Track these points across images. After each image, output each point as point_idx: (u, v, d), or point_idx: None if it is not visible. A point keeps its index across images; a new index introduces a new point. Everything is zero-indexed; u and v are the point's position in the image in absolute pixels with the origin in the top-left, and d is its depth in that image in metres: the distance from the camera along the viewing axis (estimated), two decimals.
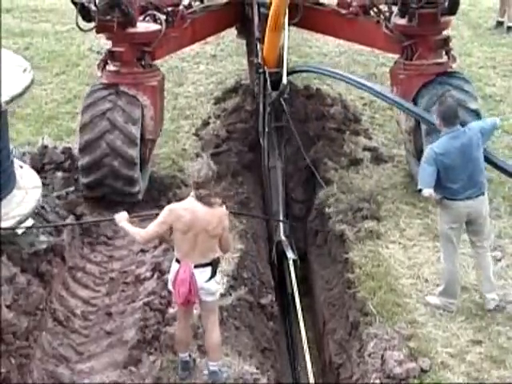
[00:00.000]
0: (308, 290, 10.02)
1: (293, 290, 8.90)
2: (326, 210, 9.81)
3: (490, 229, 8.16)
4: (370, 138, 11.51)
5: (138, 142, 9.79)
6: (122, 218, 6.86)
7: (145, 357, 7.20)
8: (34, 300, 7.38)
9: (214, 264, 6.61)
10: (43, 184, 9.43)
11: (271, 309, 8.78)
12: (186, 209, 6.47)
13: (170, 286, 6.78)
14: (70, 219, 9.02)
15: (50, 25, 16.45)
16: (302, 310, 8.58)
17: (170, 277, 6.70)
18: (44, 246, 8.11)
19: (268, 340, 8.47)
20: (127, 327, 7.61)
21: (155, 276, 8.33)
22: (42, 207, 8.76)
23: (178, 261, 6.60)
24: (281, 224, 9.90)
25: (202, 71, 14.26)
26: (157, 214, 6.71)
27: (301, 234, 10.61)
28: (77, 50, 15.01)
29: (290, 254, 9.40)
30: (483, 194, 7.55)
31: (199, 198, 6.44)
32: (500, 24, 16.25)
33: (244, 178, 10.71)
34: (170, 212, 6.52)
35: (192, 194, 6.53)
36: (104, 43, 12.94)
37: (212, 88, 13.45)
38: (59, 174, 10.02)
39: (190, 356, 7.04)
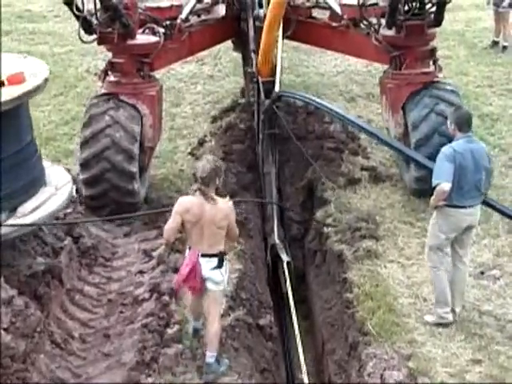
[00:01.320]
0: (307, 310, 9.99)
1: (287, 290, 9.05)
2: (325, 229, 9.80)
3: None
4: (368, 158, 11.52)
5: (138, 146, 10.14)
6: None
7: (143, 379, 7.14)
8: (31, 322, 7.34)
9: (220, 255, 7.05)
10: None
11: (270, 330, 8.73)
12: (195, 202, 6.97)
13: None
14: (68, 241, 9.00)
15: (47, 47, 16.53)
16: (302, 331, 8.54)
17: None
18: (42, 268, 8.09)
19: (267, 361, 8.43)
20: (125, 349, 7.57)
21: (153, 297, 8.29)
22: (40, 229, 8.75)
23: (190, 248, 7.15)
24: (275, 228, 10.08)
25: (199, 91, 14.31)
26: None
27: (299, 254, 10.60)
28: (75, 71, 15.06)
29: (285, 257, 9.61)
30: (480, 202, 7.72)
31: (203, 194, 6.91)
32: (495, 44, 16.35)
33: (242, 198, 10.69)
34: (180, 204, 7.05)
35: (195, 187, 7.05)
36: (101, 64, 13.11)
37: (209, 108, 13.49)
38: None
39: (203, 324, 7.53)
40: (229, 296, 8.46)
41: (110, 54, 10.73)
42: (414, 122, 10.23)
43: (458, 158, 7.37)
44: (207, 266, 6.99)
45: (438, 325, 7.76)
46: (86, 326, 8.15)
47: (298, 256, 10.60)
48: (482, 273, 8.68)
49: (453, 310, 7.83)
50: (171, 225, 7.01)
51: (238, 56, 14.71)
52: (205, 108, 13.50)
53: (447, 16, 17.61)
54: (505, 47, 16.17)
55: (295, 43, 16.12)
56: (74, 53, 15.79)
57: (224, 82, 14.77)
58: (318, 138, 11.83)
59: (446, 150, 7.50)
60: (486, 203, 8.00)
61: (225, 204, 7.01)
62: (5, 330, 6.97)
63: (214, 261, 7.01)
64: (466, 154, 7.41)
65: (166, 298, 8.22)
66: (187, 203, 7.02)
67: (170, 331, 7.70)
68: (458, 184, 7.38)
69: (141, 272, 8.97)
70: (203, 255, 6.98)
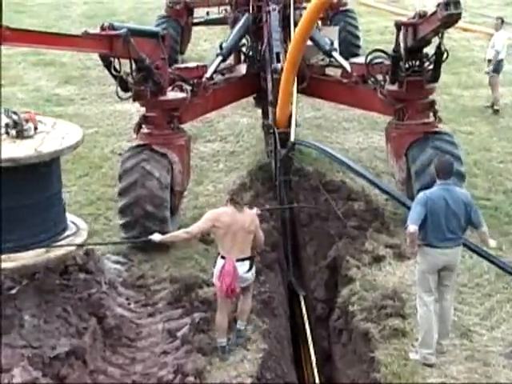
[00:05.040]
0: None
1: (304, 321, 9.81)
2: (350, 308, 9.70)
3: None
4: (392, 235, 11.46)
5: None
6: (158, 236, 8.53)
7: None
8: None
9: (251, 258, 8.37)
10: (66, 286, 9.44)
11: None
12: (226, 212, 8.27)
13: (215, 280, 8.44)
14: (92, 321, 8.96)
15: None
16: None
17: (216, 271, 8.37)
18: (66, 349, 8.04)
19: None
20: None
21: (178, 378, 8.19)
22: (64, 309, 8.73)
23: (222, 257, 8.28)
24: (291, 265, 10.96)
25: (221, 169, 14.40)
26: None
27: (324, 333, 10.48)
28: (100, 152, 15.25)
29: (300, 291, 10.58)
30: (459, 245, 8.25)
31: (234, 202, 8.27)
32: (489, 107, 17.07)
33: (267, 277, 10.62)
34: (212, 213, 8.36)
35: (228, 199, 8.54)
36: (126, 145, 13.34)
37: (230, 184, 13.57)
38: (81, 275, 10.00)
39: (228, 339, 8.63)
40: (254, 376, 8.36)
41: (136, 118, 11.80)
42: (417, 170, 11.24)
43: (429, 203, 8.02)
44: (241, 269, 8.21)
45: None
46: None
47: (323, 335, 10.46)
48: None
49: (439, 343, 8.38)
50: (199, 225, 8.24)
51: (259, 133, 14.87)
52: (226, 185, 13.58)
53: (469, 93, 18.10)
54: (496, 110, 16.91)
55: (318, 121, 16.47)
56: (99, 134, 16.02)
57: (244, 155, 14.91)
58: (340, 219, 11.81)
59: (420, 195, 8.25)
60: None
61: (250, 211, 8.44)
62: None
63: (246, 264, 8.26)
64: (439, 200, 8.03)
65: (191, 378, 8.13)
66: (217, 213, 8.32)
67: None
68: (433, 226, 8.02)
69: (165, 352, 8.89)
70: (237, 260, 8.15)
